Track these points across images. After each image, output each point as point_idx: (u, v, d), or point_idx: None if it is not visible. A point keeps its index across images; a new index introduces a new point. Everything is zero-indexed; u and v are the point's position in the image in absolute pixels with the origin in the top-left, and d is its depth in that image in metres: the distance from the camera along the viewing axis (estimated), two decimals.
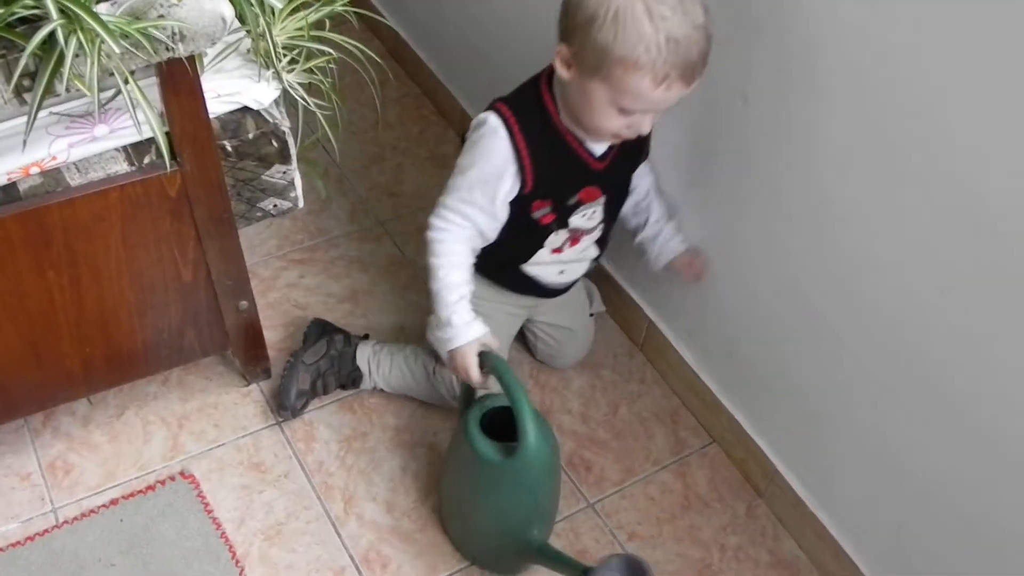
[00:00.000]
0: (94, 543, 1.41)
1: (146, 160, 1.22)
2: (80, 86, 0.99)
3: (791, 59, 1.21)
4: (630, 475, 1.57)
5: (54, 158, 1.15)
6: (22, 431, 1.54)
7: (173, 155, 1.20)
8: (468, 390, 1.35)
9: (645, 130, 1.21)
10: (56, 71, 0.98)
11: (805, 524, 1.47)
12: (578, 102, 1.21)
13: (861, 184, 1.18)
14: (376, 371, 1.59)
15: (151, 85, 1.14)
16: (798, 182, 1.28)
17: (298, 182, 1.39)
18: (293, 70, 1.30)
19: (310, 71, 1.33)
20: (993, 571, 1.19)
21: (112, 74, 1.02)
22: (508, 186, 1.27)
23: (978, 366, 1.12)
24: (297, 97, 1.31)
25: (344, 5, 1.34)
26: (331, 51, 1.33)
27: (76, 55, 0.96)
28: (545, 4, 1.67)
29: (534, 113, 1.26)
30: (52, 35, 0.95)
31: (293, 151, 1.33)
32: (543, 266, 1.42)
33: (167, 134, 1.18)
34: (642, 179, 1.46)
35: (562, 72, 1.19)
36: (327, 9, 1.32)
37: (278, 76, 1.27)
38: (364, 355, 1.59)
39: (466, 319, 1.29)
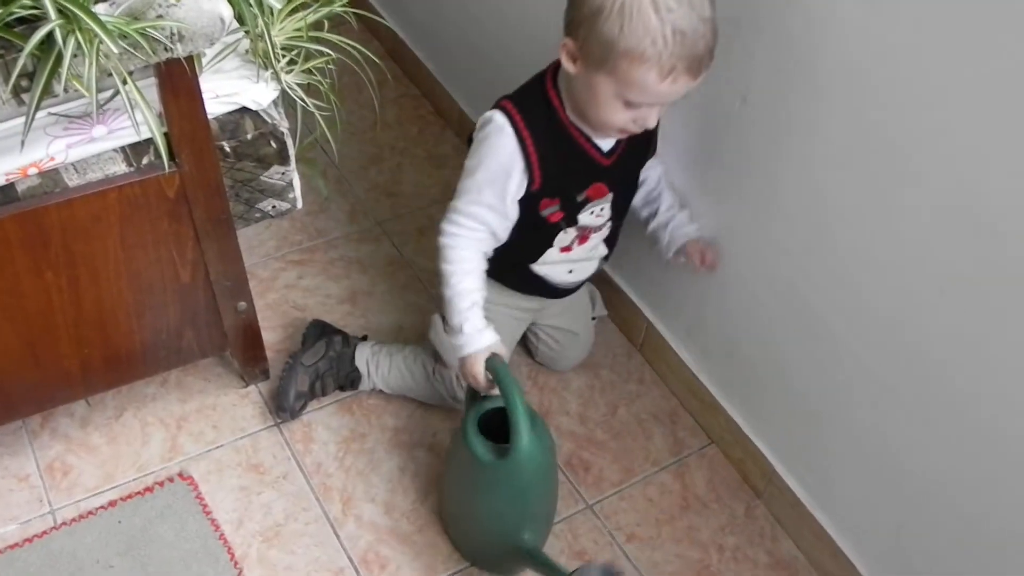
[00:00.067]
0: (92, 545, 1.41)
1: (144, 161, 1.22)
2: (78, 86, 0.99)
3: (790, 59, 1.21)
4: (629, 476, 1.57)
5: (52, 159, 1.15)
6: (20, 432, 1.54)
7: (171, 156, 1.20)
8: (473, 392, 1.35)
9: (651, 124, 1.20)
10: (54, 71, 0.98)
11: (803, 524, 1.47)
12: (584, 96, 1.20)
13: (861, 184, 1.18)
14: (375, 372, 1.59)
15: (149, 86, 1.14)
16: (797, 182, 1.28)
17: (297, 183, 1.38)
18: (292, 71, 1.30)
19: (309, 72, 1.32)
20: (993, 571, 1.19)
21: (110, 74, 1.02)
22: (516, 183, 1.27)
23: (978, 366, 1.12)
24: (296, 98, 1.30)
25: (343, 6, 1.34)
26: (329, 52, 1.33)
27: (74, 55, 0.96)
28: (544, 4, 1.67)
29: (540, 109, 1.26)
30: (50, 35, 0.95)
31: (292, 152, 1.33)
32: (552, 265, 1.42)
33: (165, 135, 1.18)
34: (652, 170, 1.46)
35: (568, 66, 1.18)
36: (326, 10, 1.32)
37: (277, 77, 1.27)
38: (363, 356, 1.59)
39: (478, 327, 1.29)
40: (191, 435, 1.56)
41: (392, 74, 2.17)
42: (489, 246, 1.33)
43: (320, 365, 1.56)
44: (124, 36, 0.99)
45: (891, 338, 1.22)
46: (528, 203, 1.30)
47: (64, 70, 0.97)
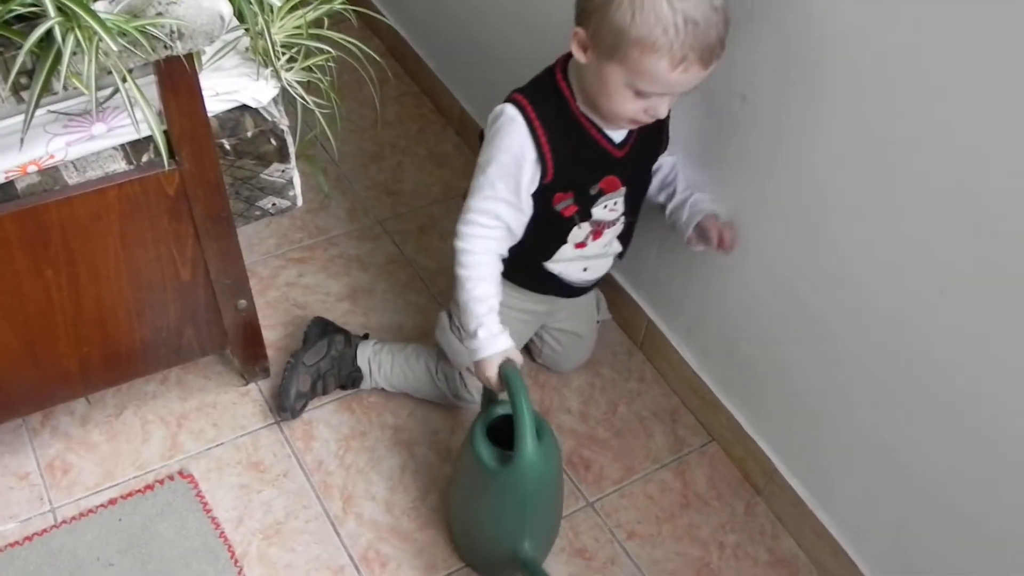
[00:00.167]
0: (92, 543, 1.41)
1: (144, 159, 1.22)
2: (78, 84, 0.99)
3: (790, 58, 1.20)
4: (629, 474, 1.57)
5: (52, 156, 1.15)
6: (20, 431, 1.54)
7: (171, 154, 1.20)
8: (489, 394, 1.35)
9: (662, 113, 1.20)
10: (54, 69, 0.97)
11: (804, 523, 1.47)
12: (595, 86, 1.20)
13: (860, 184, 1.18)
14: (377, 371, 1.59)
15: (149, 83, 1.14)
16: (797, 182, 1.28)
17: (297, 181, 1.38)
18: (292, 68, 1.30)
19: (309, 69, 1.32)
20: (993, 571, 1.19)
21: (110, 72, 1.02)
22: (529, 175, 1.26)
23: (978, 366, 1.12)
24: (296, 95, 1.30)
25: (343, 3, 1.33)
26: (330, 49, 1.33)
27: (74, 53, 0.96)
28: (545, 2, 1.67)
29: (551, 101, 1.25)
30: (50, 33, 0.95)
31: (292, 150, 1.33)
32: (567, 263, 1.41)
33: (165, 132, 1.18)
34: (666, 159, 1.45)
35: (579, 55, 1.18)
36: (326, 7, 1.32)
37: (277, 74, 1.27)
38: (364, 355, 1.59)
39: (494, 331, 1.28)
40: (191, 433, 1.56)
41: (393, 72, 2.17)
42: (505, 246, 1.32)
43: (322, 365, 1.56)
44: (123, 34, 0.99)
45: (891, 338, 1.22)
46: (542, 197, 1.30)
47: (63, 68, 0.97)
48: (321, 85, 1.34)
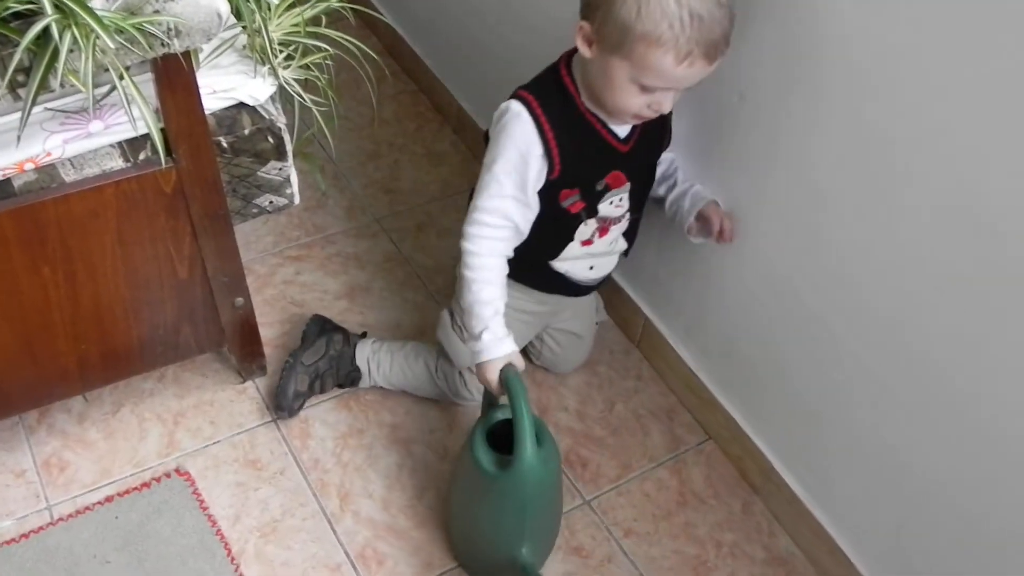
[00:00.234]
0: (89, 540, 1.41)
1: (141, 156, 1.22)
2: (75, 82, 0.99)
3: (789, 56, 1.20)
4: (626, 472, 1.57)
5: (49, 154, 1.15)
6: (17, 428, 1.54)
7: (168, 151, 1.20)
8: (491, 397, 1.34)
9: (666, 109, 1.20)
10: (51, 66, 0.97)
11: (801, 521, 1.47)
12: (599, 81, 1.20)
13: (859, 183, 1.18)
14: (376, 370, 1.58)
15: (146, 81, 1.13)
16: (796, 181, 1.28)
17: (294, 178, 1.38)
18: (289, 66, 1.30)
19: (306, 67, 1.32)
20: (993, 571, 1.19)
21: (107, 70, 1.02)
22: (536, 170, 1.26)
23: (977, 366, 1.12)
24: (293, 93, 1.30)
25: (340, 1, 1.33)
26: (327, 47, 1.33)
27: (71, 50, 0.96)
28: (542, 1, 1.67)
29: (555, 96, 1.25)
30: (47, 30, 0.95)
31: (289, 147, 1.33)
32: (574, 261, 1.41)
33: (162, 130, 1.18)
34: (665, 155, 1.45)
35: (583, 49, 1.18)
36: (323, 5, 1.31)
37: (274, 72, 1.27)
38: (363, 355, 1.58)
39: (499, 335, 1.28)
40: (188, 431, 1.56)
41: (390, 70, 2.17)
42: (511, 247, 1.31)
43: (320, 364, 1.56)
44: (120, 31, 0.99)
45: (890, 337, 1.22)
46: (548, 194, 1.30)
47: (60, 65, 0.97)
48: (319, 83, 1.33)
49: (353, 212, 1.94)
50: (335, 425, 1.59)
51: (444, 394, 1.57)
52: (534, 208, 1.30)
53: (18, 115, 1.02)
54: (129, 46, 1.01)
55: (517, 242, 1.32)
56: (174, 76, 1.12)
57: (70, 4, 0.93)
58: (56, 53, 0.96)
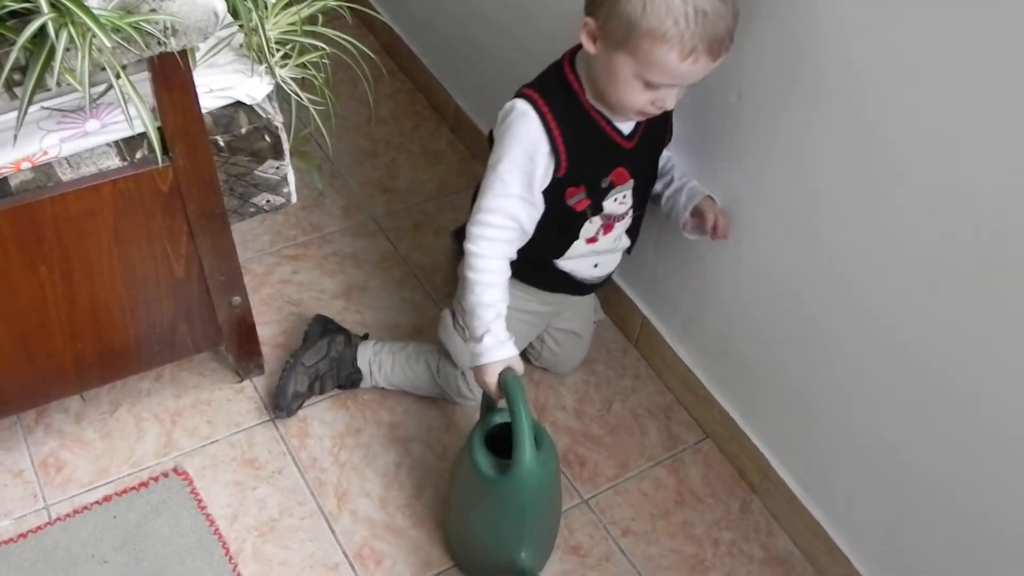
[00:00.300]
0: (87, 540, 1.41)
1: (138, 155, 1.21)
2: (71, 80, 0.99)
3: (788, 56, 1.20)
4: (624, 471, 1.57)
5: (45, 153, 1.15)
6: (14, 428, 1.54)
7: (165, 150, 1.20)
8: (489, 400, 1.34)
9: (670, 105, 1.20)
10: (47, 65, 0.97)
11: (799, 520, 1.47)
12: (603, 77, 1.20)
13: (856, 183, 1.18)
14: (378, 372, 1.58)
15: (143, 80, 1.13)
16: (793, 180, 1.28)
17: (291, 177, 1.38)
18: (286, 65, 1.29)
19: (303, 66, 1.32)
20: (992, 571, 1.19)
21: (104, 68, 1.02)
22: (543, 168, 1.26)
23: (975, 365, 1.12)
24: (290, 92, 1.30)
25: (337, 0, 1.33)
26: (324, 46, 1.33)
27: (67, 49, 0.96)
28: (541, 0, 1.67)
29: (560, 94, 1.25)
30: (43, 29, 0.94)
31: (286, 146, 1.33)
32: (579, 259, 1.41)
33: (159, 129, 1.17)
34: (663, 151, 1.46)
35: (588, 45, 1.18)
36: (320, 4, 1.31)
37: (271, 71, 1.27)
38: (365, 357, 1.58)
39: (500, 338, 1.27)
40: (186, 430, 1.56)
41: (387, 69, 2.16)
42: (515, 248, 1.31)
43: (321, 366, 1.56)
44: (117, 30, 0.98)
45: (887, 336, 1.22)
46: (554, 192, 1.29)
47: (57, 64, 0.96)
48: (315, 82, 1.33)
49: (350, 211, 1.94)
50: (333, 424, 1.59)
51: (445, 393, 1.57)
52: (539, 207, 1.30)
53: (14, 114, 1.02)
54: (126, 45, 1.01)
55: (521, 243, 1.32)
56: (171, 75, 1.12)
57: (66, 3, 0.93)
58: (52, 52, 0.96)
